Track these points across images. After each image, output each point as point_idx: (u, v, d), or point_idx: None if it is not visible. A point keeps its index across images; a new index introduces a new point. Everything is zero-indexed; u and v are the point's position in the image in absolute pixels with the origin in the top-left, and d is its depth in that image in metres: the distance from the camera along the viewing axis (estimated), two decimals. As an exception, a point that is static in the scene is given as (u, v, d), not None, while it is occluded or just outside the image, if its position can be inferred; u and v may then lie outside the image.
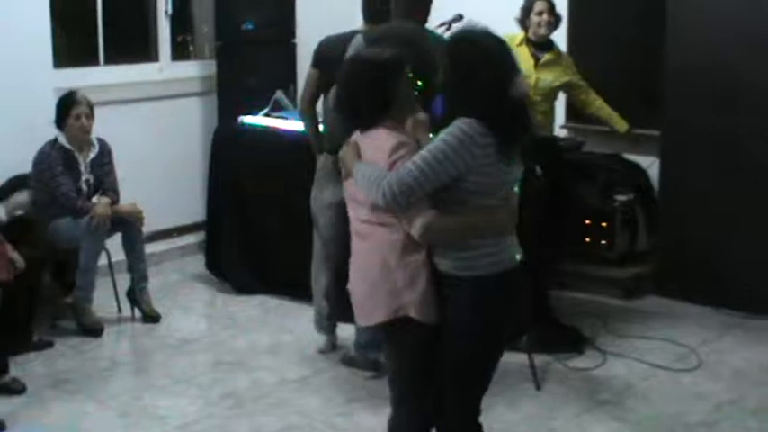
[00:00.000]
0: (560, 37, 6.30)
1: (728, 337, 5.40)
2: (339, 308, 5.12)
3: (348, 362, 4.96)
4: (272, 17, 6.83)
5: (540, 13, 5.73)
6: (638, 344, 5.27)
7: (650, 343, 5.29)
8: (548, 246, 5.29)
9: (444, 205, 3.10)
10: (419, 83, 3.48)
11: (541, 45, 5.75)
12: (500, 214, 3.13)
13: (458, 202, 3.10)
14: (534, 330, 4.87)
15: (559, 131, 6.46)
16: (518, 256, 3.21)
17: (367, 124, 3.23)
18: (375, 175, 3.09)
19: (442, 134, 3.06)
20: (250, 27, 6.72)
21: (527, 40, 5.77)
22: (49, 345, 5.23)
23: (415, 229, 3.09)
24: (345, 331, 5.11)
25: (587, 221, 6.12)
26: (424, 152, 3.05)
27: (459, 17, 5.32)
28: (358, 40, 4.67)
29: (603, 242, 6.10)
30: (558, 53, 5.82)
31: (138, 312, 5.69)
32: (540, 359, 4.87)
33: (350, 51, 4.61)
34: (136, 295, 5.68)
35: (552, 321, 5.30)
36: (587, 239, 6.13)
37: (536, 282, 5.13)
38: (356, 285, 3.29)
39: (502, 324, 3.21)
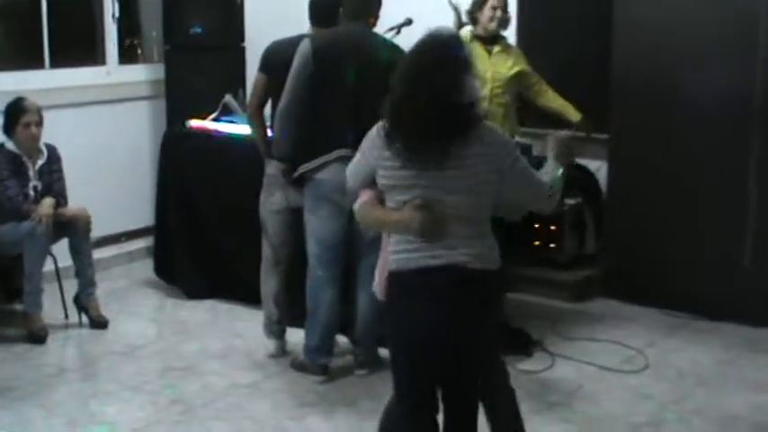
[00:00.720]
0: (509, 38, 6.36)
1: (675, 339, 5.48)
2: (289, 312, 5.14)
3: (298, 366, 4.97)
4: (220, 21, 6.82)
5: (494, 8, 5.77)
6: (587, 346, 5.33)
7: (598, 345, 5.35)
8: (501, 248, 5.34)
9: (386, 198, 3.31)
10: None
11: (490, 39, 5.81)
12: (406, 217, 3.17)
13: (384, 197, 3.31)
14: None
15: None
16: (440, 261, 3.16)
17: None
18: None
19: None
20: (198, 31, 6.72)
21: (475, 36, 5.84)
22: None
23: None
24: (295, 336, 5.11)
25: (536, 225, 6.16)
26: None
27: (409, 21, 5.37)
28: (305, 44, 4.68)
29: (552, 245, 6.17)
30: (507, 44, 5.87)
31: (85, 318, 5.64)
32: (489, 362, 4.93)
33: (296, 56, 4.64)
34: (83, 301, 5.64)
35: (502, 324, 5.32)
36: (536, 243, 6.19)
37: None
38: None
39: (403, 323, 3.24)
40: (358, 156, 3.36)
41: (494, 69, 5.67)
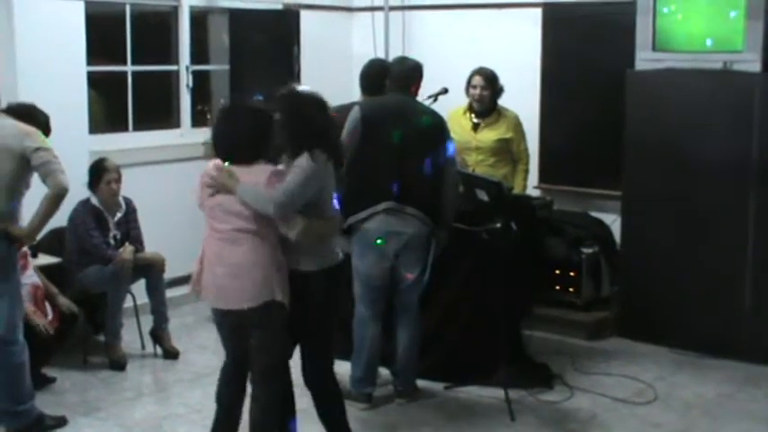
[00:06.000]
0: (533, 111, 6.44)
1: (681, 374, 5.46)
2: (337, 347, 5.17)
3: (345, 395, 4.90)
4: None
5: (474, 87, 5.82)
6: (602, 380, 5.33)
7: (612, 379, 5.35)
8: (523, 292, 5.37)
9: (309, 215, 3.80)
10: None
11: (482, 112, 5.87)
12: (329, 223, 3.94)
13: (316, 213, 3.82)
14: (510, 367, 4.93)
15: (533, 191, 6.51)
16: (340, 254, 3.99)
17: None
18: (262, 193, 3.72)
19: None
20: (260, 99, 6.79)
21: (470, 107, 5.90)
22: (52, 380, 5.19)
23: (293, 232, 3.75)
24: (342, 368, 5.05)
25: (557, 271, 6.17)
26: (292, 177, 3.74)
27: (445, 90, 5.48)
28: (355, 110, 4.80)
29: (571, 289, 6.15)
30: (498, 115, 5.88)
31: (159, 349, 5.73)
32: (514, 393, 4.92)
33: (348, 120, 4.74)
34: (157, 334, 5.72)
35: (526, 359, 5.33)
36: (557, 287, 6.19)
37: (513, 324, 5.21)
38: (227, 280, 3.82)
39: (336, 301, 4.03)
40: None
41: (478, 138, 5.74)
